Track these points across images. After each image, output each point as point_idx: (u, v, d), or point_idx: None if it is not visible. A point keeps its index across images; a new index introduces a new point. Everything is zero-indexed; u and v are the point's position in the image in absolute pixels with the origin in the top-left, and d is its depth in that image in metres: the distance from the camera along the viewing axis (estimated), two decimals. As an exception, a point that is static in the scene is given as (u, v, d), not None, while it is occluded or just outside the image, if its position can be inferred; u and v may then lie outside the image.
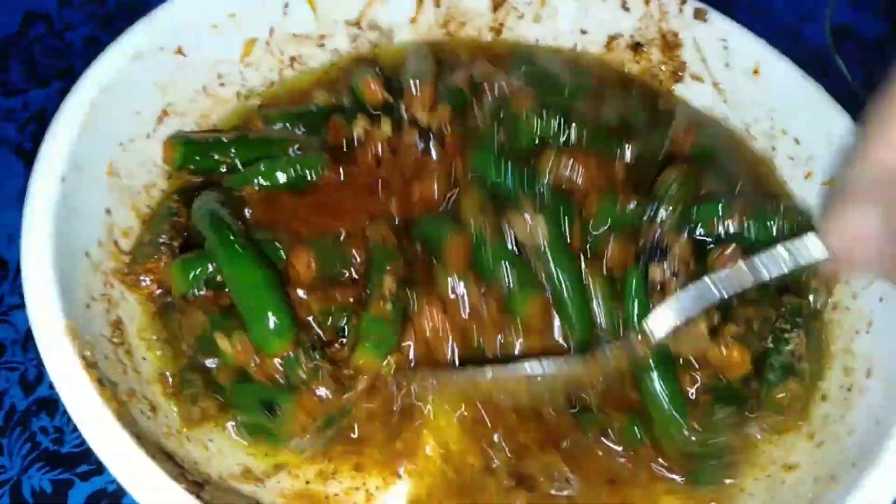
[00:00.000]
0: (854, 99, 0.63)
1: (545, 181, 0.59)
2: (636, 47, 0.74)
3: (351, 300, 0.56)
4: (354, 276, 0.58)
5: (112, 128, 0.60)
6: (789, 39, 0.98)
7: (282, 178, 0.61)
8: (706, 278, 0.52)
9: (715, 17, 0.69)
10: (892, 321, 0.57)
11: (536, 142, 0.63)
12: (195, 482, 0.46)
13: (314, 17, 0.71)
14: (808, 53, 0.72)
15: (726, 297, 0.52)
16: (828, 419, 0.57)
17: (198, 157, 0.63)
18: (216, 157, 0.63)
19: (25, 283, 0.48)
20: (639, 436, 0.55)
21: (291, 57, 0.72)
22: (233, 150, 0.63)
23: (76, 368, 0.46)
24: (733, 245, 0.58)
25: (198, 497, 0.43)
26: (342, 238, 0.59)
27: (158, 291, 0.57)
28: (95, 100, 0.57)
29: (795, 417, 0.58)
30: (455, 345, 0.56)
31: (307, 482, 0.54)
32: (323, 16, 0.71)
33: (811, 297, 0.61)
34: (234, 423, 0.54)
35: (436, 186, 0.61)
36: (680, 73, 0.73)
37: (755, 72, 0.69)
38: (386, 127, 0.62)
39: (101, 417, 0.44)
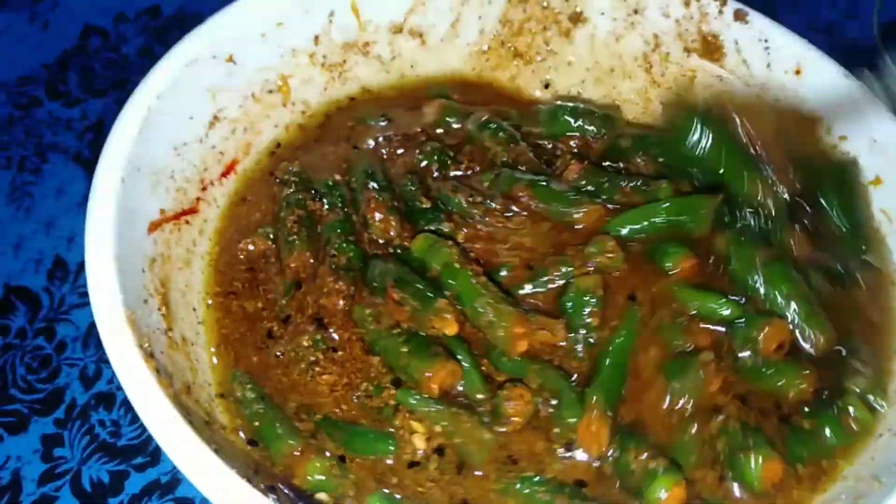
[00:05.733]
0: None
1: None
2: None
3: None
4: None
5: (167, 132, 0.62)
6: (833, 37, 0.97)
7: None
8: None
9: (755, 17, 0.69)
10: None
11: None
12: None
13: (358, 25, 0.73)
14: (854, 52, 0.72)
15: None
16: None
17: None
18: None
19: (89, 274, 0.50)
20: None
21: (336, 64, 0.74)
22: None
23: (135, 357, 0.48)
24: None
25: (249, 481, 0.45)
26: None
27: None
28: (152, 105, 0.60)
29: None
30: None
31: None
32: (366, 23, 0.73)
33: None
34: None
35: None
36: (720, 77, 0.73)
37: (797, 72, 0.69)
38: None
39: (159, 402, 0.46)
